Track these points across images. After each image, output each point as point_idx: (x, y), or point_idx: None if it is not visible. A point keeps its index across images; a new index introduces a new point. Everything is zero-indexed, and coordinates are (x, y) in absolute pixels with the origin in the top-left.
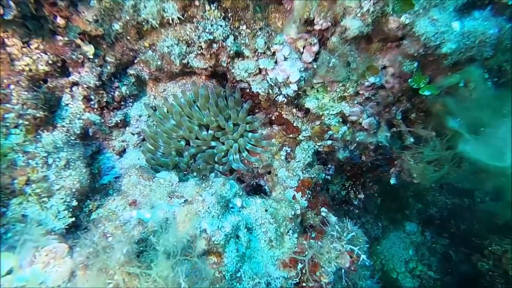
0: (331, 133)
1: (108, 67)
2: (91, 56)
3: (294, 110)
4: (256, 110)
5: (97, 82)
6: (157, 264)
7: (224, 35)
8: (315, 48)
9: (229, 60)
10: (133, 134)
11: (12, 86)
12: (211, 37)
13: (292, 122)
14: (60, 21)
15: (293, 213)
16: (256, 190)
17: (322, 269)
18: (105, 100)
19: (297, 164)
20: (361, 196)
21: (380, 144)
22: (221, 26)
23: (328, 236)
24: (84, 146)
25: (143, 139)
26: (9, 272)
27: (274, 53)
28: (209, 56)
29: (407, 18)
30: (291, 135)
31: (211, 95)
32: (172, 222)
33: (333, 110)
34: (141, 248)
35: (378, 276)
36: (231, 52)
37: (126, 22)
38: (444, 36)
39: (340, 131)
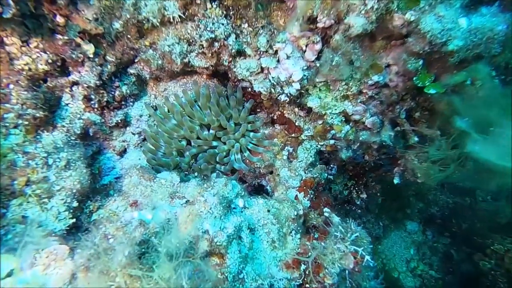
0: (334, 133)
1: (109, 66)
2: (91, 55)
3: (296, 109)
4: (258, 110)
5: (97, 82)
6: (159, 266)
7: (225, 33)
8: (318, 47)
9: (230, 59)
10: (133, 134)
11: (11, 86)
12: (213, 36)
13: (294, 121)
14: (59, 19)
15: (295, 214)
16: (258, 190)
17: (326, 270)
18: (105, 99)
19: (299, 164)
20: (364, 196)
21: (383, 143)
22: (222, 24)
23: (331, 236)
24: (84, 146)
25: (144, 139)
26: (9, 275)
27: (276, 52)
28: (210, 55)
29: (412, 15)
30: (293, 135)
31: (212, 94)
32: (174, 223)
33: (335, 109)
34: (143, 250)
35: (382, 277)
36: (233, 50)
37: (126, 21)
38: (450, 33)
39: (343, 130)
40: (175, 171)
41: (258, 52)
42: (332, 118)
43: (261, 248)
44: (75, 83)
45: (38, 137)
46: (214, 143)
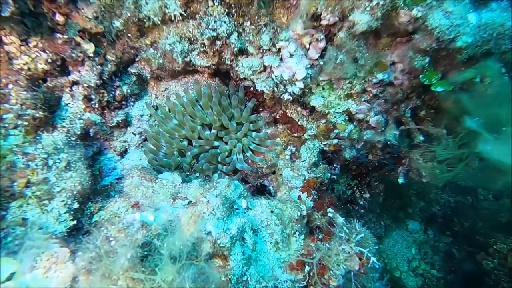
0: (337, 132)
1: (109, 66)
2: (92, 55)
3: (299, 108)
4: (260, 109)
5: (97, 81)
6: (161, 269)
7: (227, 31)
8: (322, 44)
9: (232, 57)
10: (134, 134)
11: (10, 86)
12: (215, 34)
13: (297, 120)
14: (59, 18)
15: (299, 214)
16: (261, 190)
17: (331, 272)
18: (106, 99)
19: (302, 163)
20: (367, 195)
21: (388, 142)
22: (224, 22)
23: (336, 237)
24: (85, 147)
25: (145, 139)
26: (9, 278)
27: (279, 50)
28: (212, 53)
29: (419, 11)
30: (296, 134)
31: (214, 93)
32: (177, 224)
33: (339, 108)
34: (145, 252)
35: (387, 278)
36: (235, 49)
37: (127, 19)
38: (459, 29)
39: (347, 129)
40: (176, 171)
41: (261, 51)
42: (335, 117)
43: (264, 249)
44: (75, 83)
45: (38, 137)
46: (216, 143)
